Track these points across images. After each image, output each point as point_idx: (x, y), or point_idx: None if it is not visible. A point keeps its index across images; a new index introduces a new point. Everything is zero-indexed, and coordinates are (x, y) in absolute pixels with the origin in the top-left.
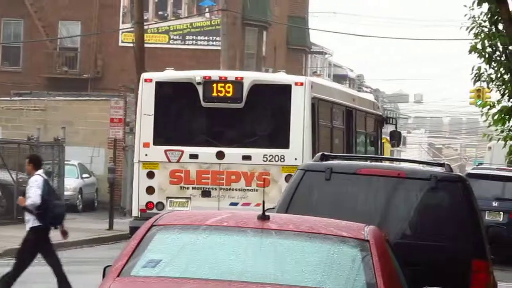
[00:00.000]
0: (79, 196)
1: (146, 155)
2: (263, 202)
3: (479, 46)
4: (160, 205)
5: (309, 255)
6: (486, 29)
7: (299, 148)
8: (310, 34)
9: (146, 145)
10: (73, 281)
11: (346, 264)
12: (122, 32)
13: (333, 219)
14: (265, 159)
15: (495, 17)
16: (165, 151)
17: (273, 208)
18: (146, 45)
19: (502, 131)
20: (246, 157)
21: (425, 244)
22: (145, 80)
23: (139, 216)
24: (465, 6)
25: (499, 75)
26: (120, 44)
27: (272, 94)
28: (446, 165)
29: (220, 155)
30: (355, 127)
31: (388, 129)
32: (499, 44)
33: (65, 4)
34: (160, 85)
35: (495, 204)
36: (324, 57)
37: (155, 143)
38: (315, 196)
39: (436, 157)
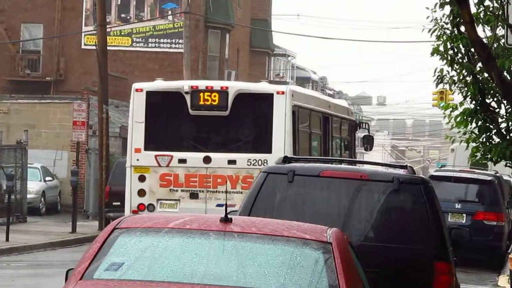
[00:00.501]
0: (42, 199)
1: (137, 160)
2: (225, 204)
3: (441, 48)
4: (151, 207)
5: (271, 258)
6: (448, 31)
7: (281, 153)
8: (273, 36)
9: (137, 150)
10: (35, 284)
11: (308, 267)
12: (85, 35)
13: (296, 221)
14: (249, 163)
15: (457, 19)
16: (156, 156)
17: (236, 211)
18: (108, 48)
19: (464, 133)
20: (231, 162)
21: (388, 246)
22: (136, 90)
23: None
24: (427, 8)
25: (461, 77)
26: (83, 46)
27: (255, 102)
28: (409, 167)
29: (207, 160)
30: (332, 132)
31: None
32: (461, 46)
33: (27, 6)
34: (150, 95)
35: (458, 206)
36: (287, 59)
37: (146, 149)
38: (278, 199)
39: (399, 159)
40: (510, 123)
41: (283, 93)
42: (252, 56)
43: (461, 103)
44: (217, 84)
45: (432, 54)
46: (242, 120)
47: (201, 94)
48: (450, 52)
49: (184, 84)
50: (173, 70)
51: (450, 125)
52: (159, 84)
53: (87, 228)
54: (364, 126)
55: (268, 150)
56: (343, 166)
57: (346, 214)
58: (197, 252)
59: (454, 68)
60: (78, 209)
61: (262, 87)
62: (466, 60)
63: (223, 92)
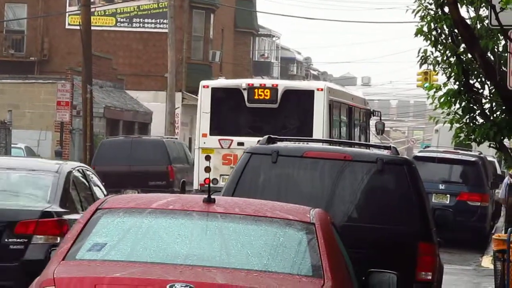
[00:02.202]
0: None
1: (204, 143)
2: (209, 185)
3: (425, 29)
4: (215, 181)
5: (254, 238)
6: (432, 12)
7: (320, 137)
8: (258, 17)
9: (204, 135)
10: None
11: (291, 247)
12: (69, 15)
13: (279, 202)
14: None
15: (441, 0)
16: (219, 140)
17: (220, 192)
18: (93, 28)
19: (448, 114)
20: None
21: (371, 226)
22: (203, 86)
23: (199, 189)
24: None
25: (445, 58)
26: (67, 27)
27: (299, 97)
28: (393, 148)
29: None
30: (354, 120)
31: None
32: (445, 27)
33: None
34: (214, 90)
35: (442, 187)
36: (272, 39)
37: (211, 134)
38: (262, 179)
39: (383, 140)
40: (493, 103)
41: (322, 89)
42: (236, 36)
43: (445, 84)
44: (269, 82)
45: (416, 34)
46: (288, 111)
47: (256, 90)
48: (434, 32)
49: (242, 82)
50: (158, 50)
51: (434, 106)
52: (222, 82)
53: None
54: (376, 114)
55: (309, 135)
56: (326, 146)
57: (329, 195)
58: (180, 232)
59: (438, 49)
60: None
61: (305, 85)
62: (450, 40)
63: (274, 89)
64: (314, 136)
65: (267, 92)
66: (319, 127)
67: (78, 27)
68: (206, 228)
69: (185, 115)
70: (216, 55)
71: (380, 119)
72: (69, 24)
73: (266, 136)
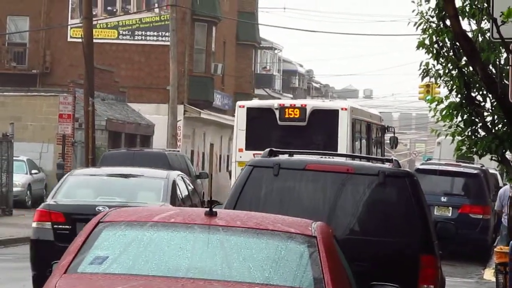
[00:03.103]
0: (28, 192)
1: (240, 157)
2: (210, 198)
3: (427, 41)
4: None
5: (256, 252)
6: (434, 25)
7: (344, 151)
8: (260, 29)
9: (240, 150)
10: (22, 277)
11: (293, 261)
12: (71, 28)
13: (281, 215)
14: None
15: (443, 13)
16: (253, 154)
17: (221, 204)
18: (95, 41)
19: (450, 127)
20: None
21: (373, 239)
22: (239, 106)
23: None
24: (413, 1)
25: (446, 71)
26: (69, 39)
27: (326, 116)
28: (394, 160)
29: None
30: (371, 135)
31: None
32: (446, 39)
33: None
34: (249, 110)
35: (443, 199)
36: (274, 52)
37: (246, 149)
38: (263, 192)
39: (386, 152)
40: (495, 116)
41: (345, 109)
42: (238, 49)
43: (447, 97)
44: (298, 102)
45: (418, 47)
46: (316, 128)
47: (287, 110)
48: (436, 45)
49: (274, 103)
50: (160, 63)
51: (435, 119)
52: (256, 102)
53: None
54: (390, 130)
55: (335, 149)
56: (328, 159)
57: (331, 208)
58: (182, 245)
59: (440, 62)
60: None
61: (331, 105)
62: (452, 53)
63: (303, 108)
64: (339, 151)
65: (296, 111)
66: (343, 142)
67: (80, 40)
68: (208, 241)
69: (187, 128)
70: (218, 67)
71: (394, 134)
72: (71, 37)
73: (268, 149)
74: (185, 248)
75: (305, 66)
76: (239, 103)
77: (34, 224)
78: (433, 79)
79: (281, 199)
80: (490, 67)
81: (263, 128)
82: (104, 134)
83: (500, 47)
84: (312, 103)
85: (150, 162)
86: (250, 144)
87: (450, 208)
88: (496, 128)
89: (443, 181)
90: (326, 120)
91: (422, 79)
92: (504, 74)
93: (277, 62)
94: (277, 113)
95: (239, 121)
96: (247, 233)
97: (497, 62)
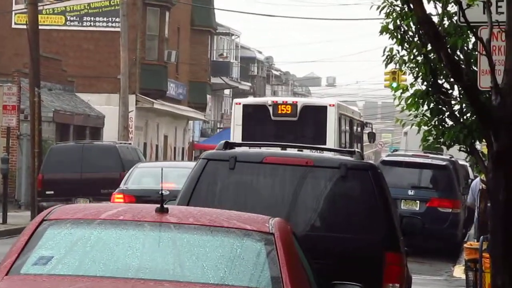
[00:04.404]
0: None
1: None
2: (161, 194)
3: (390, 26)
4: None
5: (210, 250)
6: (398, 8)
7: (332, 145)
8: (216, 14)
9: None
10: None
11: (250, 259)
12: (15, 14)
13: (237, 211)
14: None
15: None
16: (249, 147)
17: (175, 200)
18: (41, 27)
19: (416, 116)
20: (300, 151)
21: (335, 236)
22: (236, 103)
23: None
24: None
25: (412, 57)
26: (13, 26)
27: (315, 111)
28: (357, 152)
29: (300, 151)
30: (353, 130)
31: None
32: (411, 24)
33: None
34: (245, 106)
35: (411, 192)
36: (231, 38)
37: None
38: (219, 187)
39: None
40: (463, 105)
41: (333, 105)
42: (193, 35)
43: (412, 84)
44: (289, 99)
45: (381, 32)
46: (306, 123)
47: (279, 106)
48: (400, 30)
49: (268, 100)
50: (110, 51)
51: (400, 108)
52: (251, 100)
53: (19, 219)
54: (368, 125)
55: (323, 143)
56: (287, 151)
57: (291, 203)
58: (131, 244)
59: (404, 47)
60: (9, 198)
61: (320, 101)
62: (417, 39)
63: (294, 105)
64: (327, 144)
65: (288, 107)
66: (331, 136)
67: (25, 27)
68: (159, 240)
69: (140, 119)
70: (172, 55)
71: (372, 129)
72: (15, 23)
73: (223, 141)
74: (135, 247)
75: (264, 52)
76: (235, 100)
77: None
78: (397, 66)
79: (237, 194)
80: (458, 52)
81: (258, 123)
82: (51, 126)
83: (468, 32)
84: (302, 100)
85: (100, 156)
86: (246, 138)
87: (418, 201)
88: (464, 117)
89: (410, 174)
90: (315, 116)
91: (386, 65)
92: (472, 60)
93: (234, 48)
94: (270, 109)
95: (236, 117)
96: (201, 231)
97: (465, 47)
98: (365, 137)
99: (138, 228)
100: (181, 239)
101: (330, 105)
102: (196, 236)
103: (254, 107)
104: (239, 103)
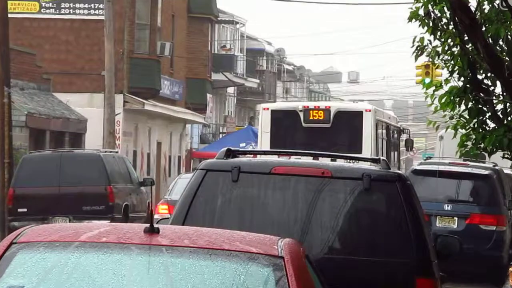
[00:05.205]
0: None
1: None
2: (151, 211)
3: (421, 12)
4: None
5: (209, 277)
6: None
7: (368, 154)
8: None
9: None
10: None
11: None
12: None
13: (241, 231)
14: (345, 161)
15: None
16: (278, 157)
17: (167, 219)
18: (11, 16)
19: (451, 118)
20: (333, 160)
21: (357, 259)
22: (264, 109)
23: None
24: None
25: (446, 48)
26: None
27: (350, 117)
28: (382, 160)
29: (316, 159)
30: (390, 137)
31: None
32: (445, 9)
33: None
34: (273, 112)
35: (447, 207)
36: (236, 27)
37: None
38: (220, 203)
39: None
40: (507, 104)
41: (370, 110)
42: (191, 23)
43: (447, 80)
44: (322, 104)
45: (410, 19)
46: (340, 130)
47: (311, 112)
48: (432, 16)
49: (299, 105)
50: (93, 43)
51: (433, 108)
52: (280, 105)
53: None
54: (406, 132)
55: (359, 151)
56: (300, 160)
57: (304, 221)
58: (116, 271)
59: (437, 37)
60: None
61: (355, 106)
62: (452, 26)
63: (327, 110)
64: (363, 151)
65: (321, 113)
66: (368, 144)
67: None
68: (148, 265)
69: (128, 123)
70: (165, 47)
71: (409, 136)
72: None
73: (224, 148)
74: (120, 274)
75: (274, 44)
76: (262, 105)
77: (156, 216)
78: (430, 58)
79: (241, 211)
80: (500, 42)
81: (287, 130)
82: (24, 132)
83: None
84: (336, 105)
85: (81, 167)
86: (275, 146)
87: (456, 218)
88: (509, 118)
89: (446, 185)
90: (350, 122)
91: (416, 58)
92: None
93: (239, 39)
94: (301, 115)
95: (264, 123)
96: (198, 254)
97: (509, 37)
98: (402, 144)
99: (124, 251)
100: (174, 265)
101: (366, 111)
102: (192, 261)
103: (284, 112)
104: (267, 108)
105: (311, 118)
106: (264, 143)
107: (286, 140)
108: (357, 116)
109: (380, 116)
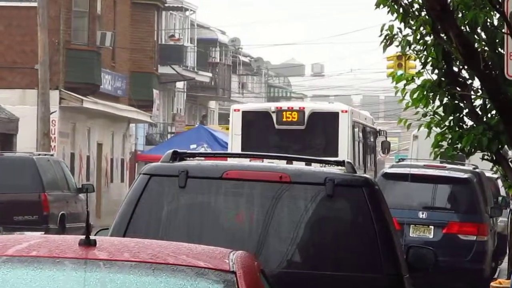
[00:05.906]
0: None
1: None
2: (87, 221)
3: None
4: None
5: None
6: None
7: (345, 156)
8: None
9: None
10: None
11: None
12: None
13: (188, 243)
14: (321, 165)
15: None
16: (250, 160)
17: (107, 229)
18: None
19: (424, 115)
20: (308, 164)
21: (319, 274)
22: (234, 110)
23: None
24: None
25: (418, 37)
26: None
27: (325, 119)
28: (347, 163)
29: (289, 163)
30: (366, 139)
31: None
32: None
33: None
34: (245, 114)
35: (422, 215)
36: (185, 14)
37: None
38: (165, 211)
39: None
40: (487, 100)
41: (346, 111)
42: (135, 11)
43: (419, 73)
44: (296, 105)
45: (378, 5)
46: (315, 132)
47: (284, 113)
48: (402, 1)
49: (271, 106)
50: (24, 32)
51: (404, 104)
52: (251, 106)
53: None
54: (382, 133)
55: (335, 155)
56: (256, 164)
57: (260, 232)
58: None
59: (409, 24)
60: None
61: (331, 107)
62: (425, 13)
63: (301, 111)
64: (340, 156)
65: (294, 114)
66: (344, 147)
67: None
68: (84, 282)
69: (65, 122)
70: (106, 37)
71: (386, 138)
72: None
73: (170, 151)
74: None
75: (228, 33)
76: (233, 106)
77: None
78: (400, 49)
79: (189, 220)
80: (479, 31)
81: (259, 133)
82: None
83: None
84: (310, 106)
85: (13, 172)
86: (246, 149)
87: (432, 227)
88: (489, 115)
89: (421, 190)
90: (325, 123)
91: (385, 49)
92: (498, 41)
93: (189, 28)
94: (274, 116)
95: (234, 125)
96: (139, 269)
97: (488, 24)
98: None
99: (56, 267)
100: (113, 281)
101: (342, 112)
102: (132, 277)
103: (255, 114)
104: (238, 110)
105: (284, 119)
106: (235, 146)
107: (258, 143)
108: (332, 117)
109: (357, 117)
